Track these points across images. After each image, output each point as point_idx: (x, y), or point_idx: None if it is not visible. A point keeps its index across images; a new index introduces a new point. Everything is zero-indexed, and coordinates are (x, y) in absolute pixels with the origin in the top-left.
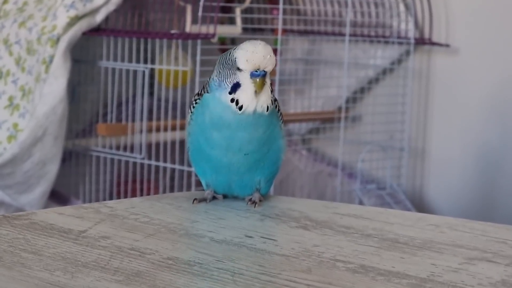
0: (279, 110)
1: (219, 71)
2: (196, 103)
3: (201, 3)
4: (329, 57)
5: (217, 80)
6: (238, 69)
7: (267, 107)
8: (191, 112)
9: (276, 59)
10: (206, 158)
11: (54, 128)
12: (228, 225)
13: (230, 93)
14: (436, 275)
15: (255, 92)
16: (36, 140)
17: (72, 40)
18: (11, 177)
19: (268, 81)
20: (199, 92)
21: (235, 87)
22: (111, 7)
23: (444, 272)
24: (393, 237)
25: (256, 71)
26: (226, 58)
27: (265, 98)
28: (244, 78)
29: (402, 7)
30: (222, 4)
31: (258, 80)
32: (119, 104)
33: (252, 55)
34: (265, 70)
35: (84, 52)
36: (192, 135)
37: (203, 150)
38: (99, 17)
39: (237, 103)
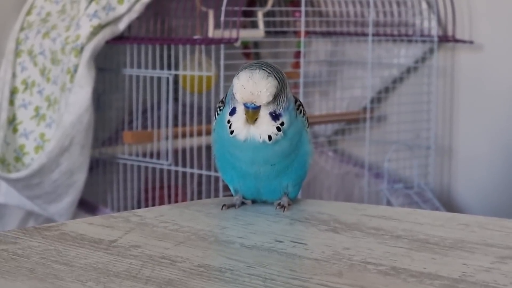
0: (304, 114)
1: (232, 86)
2: (220, 110)
3: (223, 8)
4: (352, 57)
5: (229, 95)
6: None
7: (269, 137)
8: (216, 119)
9: (275, 89)
10: (232, 166)
11: (80, 137)
12: (258, 230)
13: (230, 114)
14: (468, 275)
15: (248, 121)
16: (63, 150)
17: (96, 49)
18: (39, 187)
19: (264, 113)
20: (223, 99)
21: (233, 110)
22: (133, 15)
23: (476, 272)
24: (424, 237)
25: (247, 104)
26: (235, 75)
27: (264, 128)
28: (239, 105)
29: (424, 5)
30: (244, 8)
31: (249, 111)
32: (144, 111)
33: (241, 88)
34: (256, 104)
35: (108, 60)
36: (216, 144)
37: (228, 160)
38: (122, 25)
39: (230, 126)
